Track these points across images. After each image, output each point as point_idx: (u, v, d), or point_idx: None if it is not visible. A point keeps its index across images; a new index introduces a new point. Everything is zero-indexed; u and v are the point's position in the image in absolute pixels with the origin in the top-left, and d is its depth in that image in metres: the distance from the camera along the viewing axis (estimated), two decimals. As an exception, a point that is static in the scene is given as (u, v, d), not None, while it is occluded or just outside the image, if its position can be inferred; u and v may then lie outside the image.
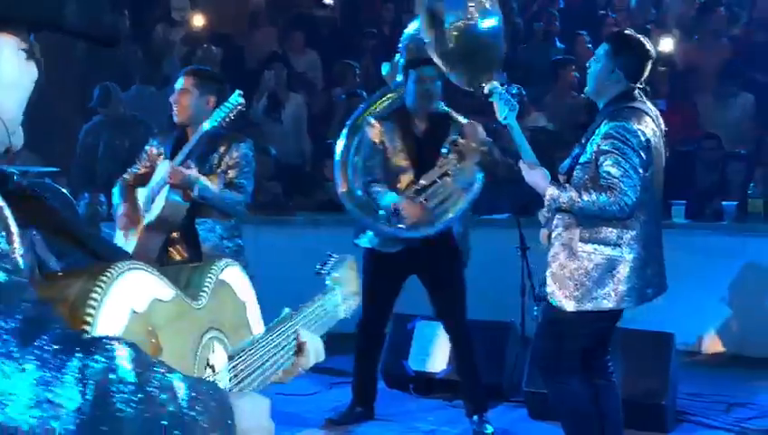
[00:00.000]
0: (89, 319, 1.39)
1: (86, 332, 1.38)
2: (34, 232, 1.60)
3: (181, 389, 1.35)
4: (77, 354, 1.28)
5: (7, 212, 1.42)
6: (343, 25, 11.08)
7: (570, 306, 4.34)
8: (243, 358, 1.75)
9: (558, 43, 10.33)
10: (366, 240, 5.59)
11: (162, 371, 1.35)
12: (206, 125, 4.80)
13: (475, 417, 5.55)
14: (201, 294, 1.71)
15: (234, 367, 1.73)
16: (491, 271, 6.64)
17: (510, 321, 6.35)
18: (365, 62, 9.50)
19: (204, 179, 4.82)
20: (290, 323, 1.96)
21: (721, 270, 7.21)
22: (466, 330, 5.58)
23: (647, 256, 4.36)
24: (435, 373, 6.21)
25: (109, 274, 1.44)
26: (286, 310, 1.99)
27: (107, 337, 1.35)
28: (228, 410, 1.44)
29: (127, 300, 1.46)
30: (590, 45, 9.85)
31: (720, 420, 5.76)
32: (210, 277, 1.75)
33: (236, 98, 4.78)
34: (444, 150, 5.39)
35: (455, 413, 5.81)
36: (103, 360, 1.29)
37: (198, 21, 11.10)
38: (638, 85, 4.41)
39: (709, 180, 8.19)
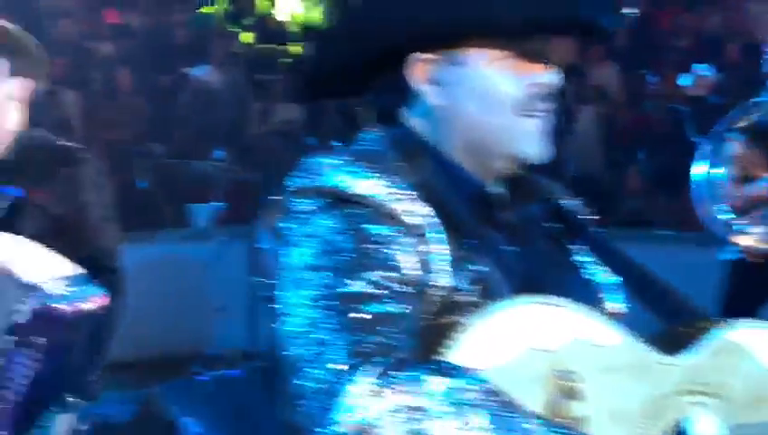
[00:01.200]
0: (448, 345, 1.39)
1: (439, 356, 1.38)
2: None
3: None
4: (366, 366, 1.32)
5: (431, 233, 1.47)
6: (641, 38, 11.01)
7: None
8: None
9: None
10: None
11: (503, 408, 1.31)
12: None
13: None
14: (681, 350, 1.50)
15: None
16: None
17: None
18: (668, 75, 9.41)
19: None
20: None
21: None
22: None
23: None
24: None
25: (488, 306, 1.42)
26: None
27: (426, 364, 1.35)
28: None
29: (518, 334, 1.40)
30: None
31: None
32: (701, 334, 1.52)
33: None
34: None
35: None
36: (404, 380, 1.31)
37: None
38: None
39: None
